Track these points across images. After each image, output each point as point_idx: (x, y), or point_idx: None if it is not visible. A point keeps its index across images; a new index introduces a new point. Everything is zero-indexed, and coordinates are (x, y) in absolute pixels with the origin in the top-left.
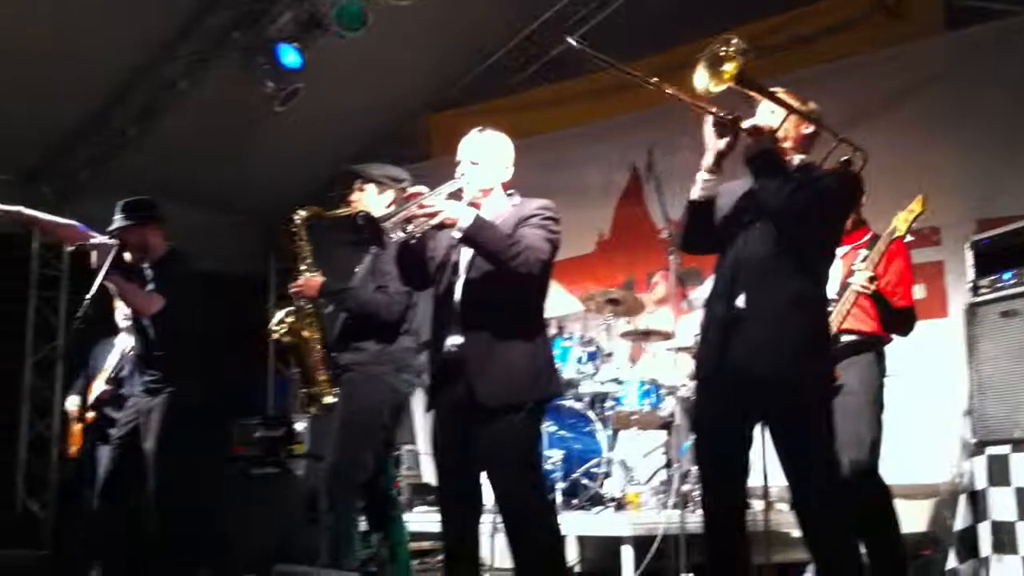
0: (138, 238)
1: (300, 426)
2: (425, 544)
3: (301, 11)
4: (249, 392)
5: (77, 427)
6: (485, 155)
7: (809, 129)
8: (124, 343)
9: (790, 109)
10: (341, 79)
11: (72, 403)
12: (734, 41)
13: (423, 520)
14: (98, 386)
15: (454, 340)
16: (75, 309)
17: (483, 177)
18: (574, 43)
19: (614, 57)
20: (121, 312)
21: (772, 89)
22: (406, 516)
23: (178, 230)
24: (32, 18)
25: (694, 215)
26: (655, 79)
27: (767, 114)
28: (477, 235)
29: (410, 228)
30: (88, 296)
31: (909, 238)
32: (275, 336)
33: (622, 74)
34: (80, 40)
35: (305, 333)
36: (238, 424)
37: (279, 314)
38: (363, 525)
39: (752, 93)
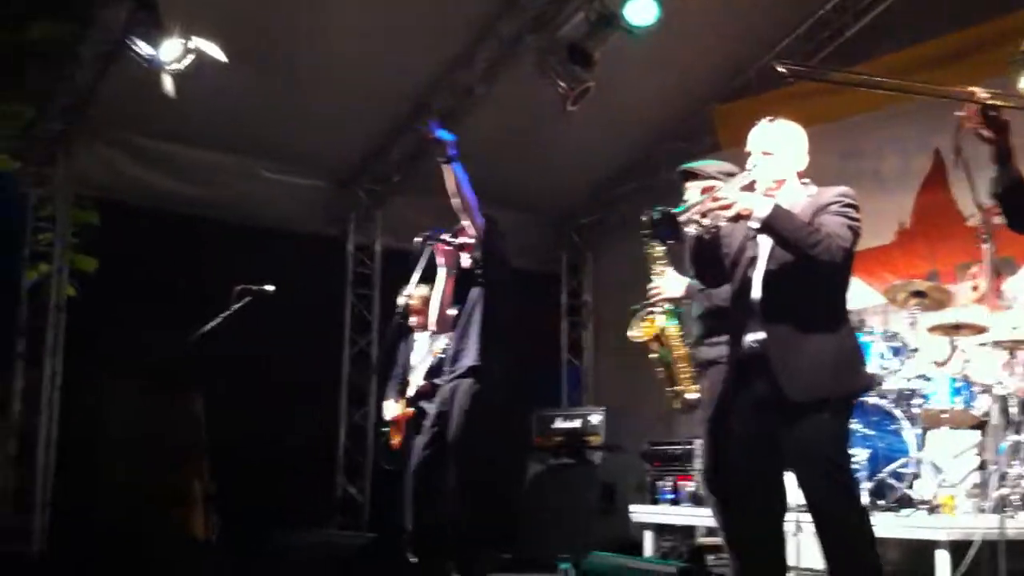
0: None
1: (596, 418)
2: (720, 540)
3: (591, 10)
4: (543, 384)
5: (400, 419)
6: (777, 145)
7: None
8: (428, 342)
9: None
10: (628, 75)
11: (390, 410)
12: None
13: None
14: (415, 380)
15: (755, 335)
16: (387, 305)
17: (776, 167)
18: (782, 69)
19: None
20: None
21: None
22: (699, 511)
23: None
24: (341, 33)
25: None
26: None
27: None
28: (775, 224)
29: (705, 221)
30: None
31: None
32: (638, 340)
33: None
34: (385, 50)
35: (667, 334)
36: (536, 415)
37: (640, 322)
38: None
39: None
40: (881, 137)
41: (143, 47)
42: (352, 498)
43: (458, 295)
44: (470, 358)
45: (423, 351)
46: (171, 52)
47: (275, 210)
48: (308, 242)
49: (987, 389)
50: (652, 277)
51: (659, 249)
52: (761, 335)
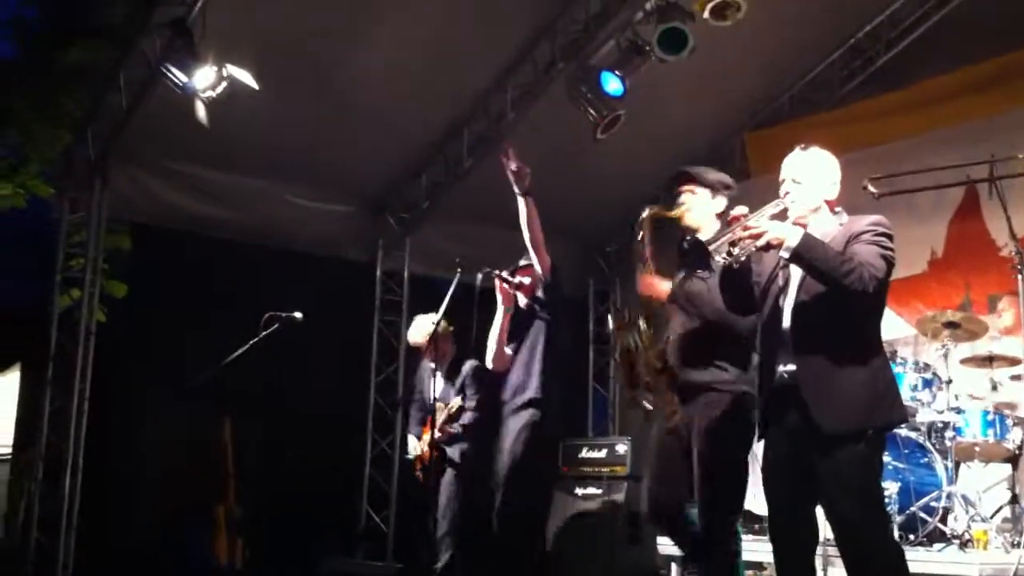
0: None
1: (622, 448)
2: (749, 573)
3: (623, 38)
4: (569, 413)
5: (424, 451)
6: (809, 173)
7: None
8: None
9: None
10: (660, 101)
11: (414, 447)
12: None
13: (747, 549)
14: (438, 418)
15: (787, 366)
16: None
17: (808, 196)
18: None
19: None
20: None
21: None
22: None
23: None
24: (374, 60)
25: None
26: None
27: None
28: (806, 253)
29: (736, 251)
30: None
31: None
32: (615, 328)
33: None
34: (418, 77)
35: (642, 331)
36: (564, 444)
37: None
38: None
39: None
40: (914, 163)
41: (178, 74)
42: (377, 527)
43: (511, 334)
44: (532, 390)
45: (441, 386)
46: (205, 79)
47: (305, 235)
48: (337, 267)
49: (1020, 422)
50: (639, 276)
51: (650, 248)
52: (792, 367)
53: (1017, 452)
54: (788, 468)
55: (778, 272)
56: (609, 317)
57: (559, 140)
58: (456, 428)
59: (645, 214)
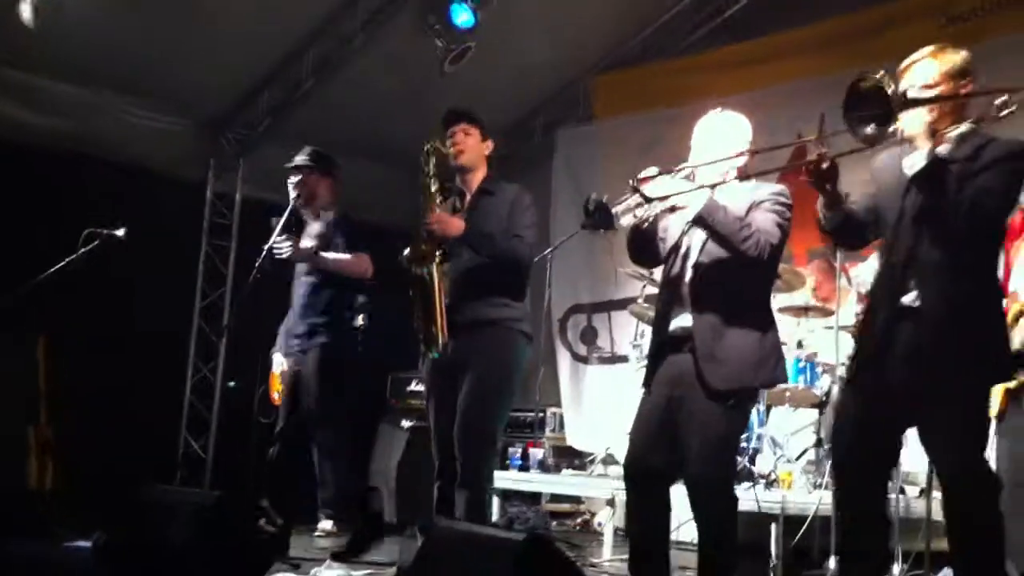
0: (312, 184)
1: None
2: (566, 506)
3: None
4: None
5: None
6: (720, 137)
7: (967, 89)
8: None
9: (944, 98)
10: (511, 38)
11: (277, 363)
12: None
13: (567, 484)
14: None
15: (682, 321)
16: (243, 257)
17: (718, 159)
18: None
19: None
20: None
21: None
22: (547, 478)
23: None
24: None
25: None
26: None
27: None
28: (709, 217)
29: (641, 212)
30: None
31: None
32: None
33: None
34: None
35: (435, 267)
36: (392, 377)
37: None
38: None
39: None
40: (752, 118)
41: None
42: (195, 454)
43: None
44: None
45: None
46: None
47: (135, 150)
48: (169, 186)
49: (829, 369)
50: (428, 212)
51: (436, 183)
52: (688, 322)
53: (824, 399)
54: (660, 413)
55: (683, 233)
56: (405, 254)
57: (409, 72)
58: None
59: (427, 146)
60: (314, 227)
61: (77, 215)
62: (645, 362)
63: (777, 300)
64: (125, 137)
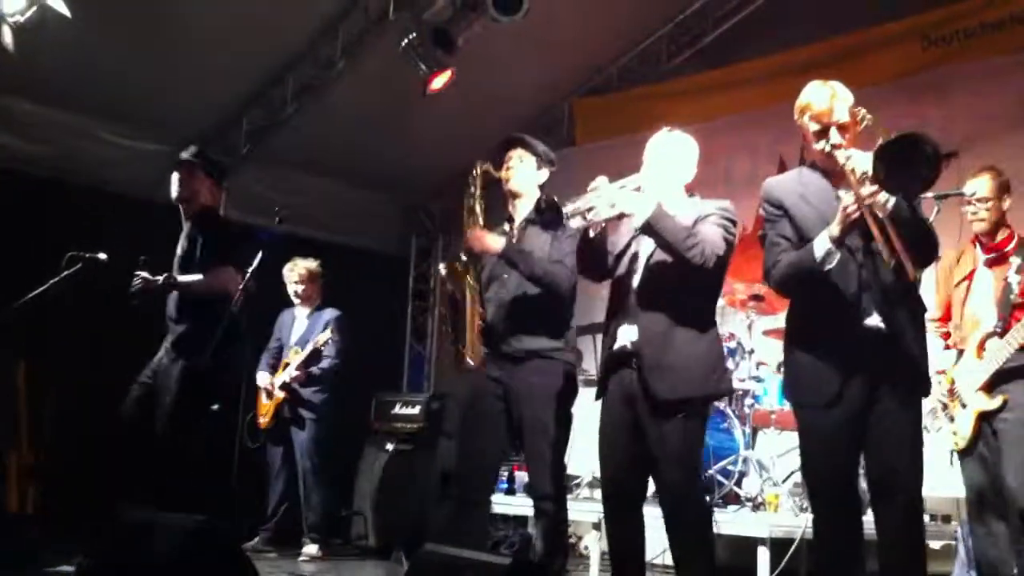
0: (194, 181)
1: (436, 405)
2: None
3: None
4: (387, 368)
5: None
6: (670, 154)
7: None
8: (307, 321)
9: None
10: (492, 63)
11: (264, 379)
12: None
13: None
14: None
15: (628, 331)
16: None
17: (665, 174)
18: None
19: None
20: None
21: None
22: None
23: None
24: (202, 3)
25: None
26: None
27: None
28: (656, 224)
29: (590, 216)
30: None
31: None
32: (443, 274)
33: None
34: (242, 20)
35: (468, 286)
36: (376, 399)
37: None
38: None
39: None
40: (732, 142)
41: None
42: None
43: None
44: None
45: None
46: (13, 4)
47: (116, 174)
48: (150, 210)
49: None
50: (467, 229)
51: (481, 203)
52: (634, 333)
53: None
54: (622, 430)
55: (631, 242)
56: (441, 267)
57: (389, 96)
58: (316, 370)
59: (478, 168)
60: (185, 228)
61: (56, 239)
62: None
63: (762, 322)
64: (105, 161)
